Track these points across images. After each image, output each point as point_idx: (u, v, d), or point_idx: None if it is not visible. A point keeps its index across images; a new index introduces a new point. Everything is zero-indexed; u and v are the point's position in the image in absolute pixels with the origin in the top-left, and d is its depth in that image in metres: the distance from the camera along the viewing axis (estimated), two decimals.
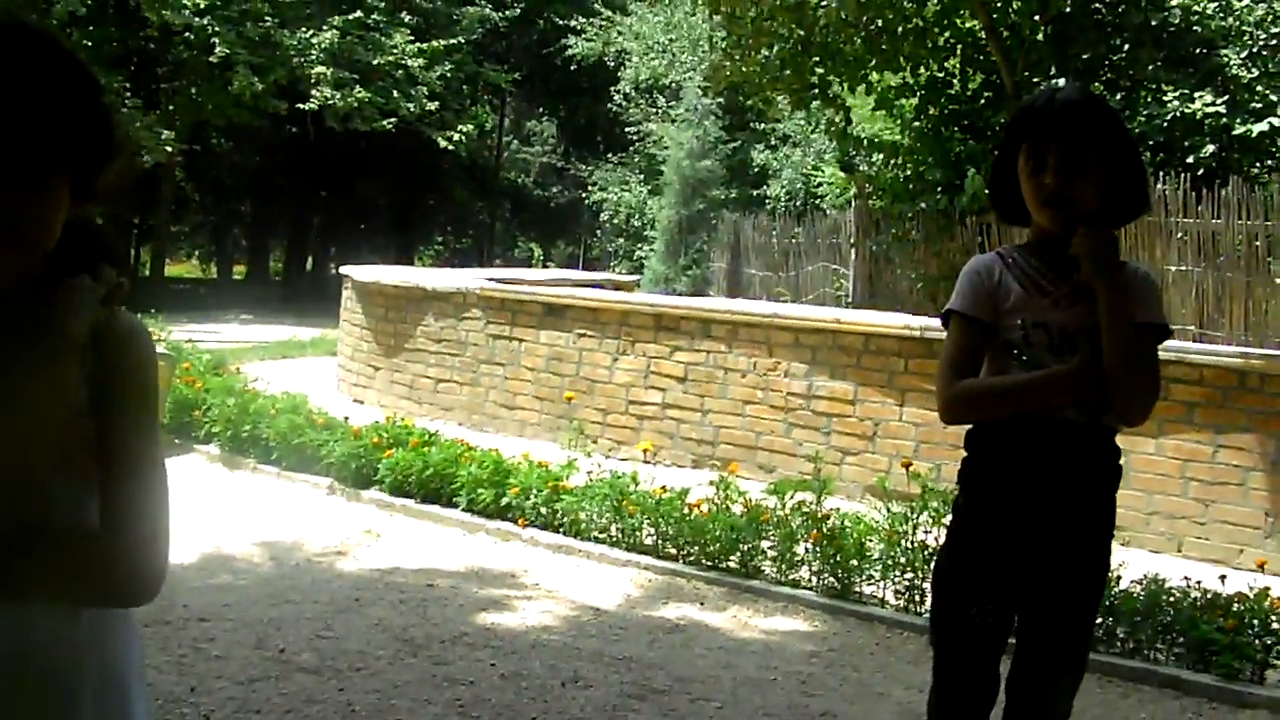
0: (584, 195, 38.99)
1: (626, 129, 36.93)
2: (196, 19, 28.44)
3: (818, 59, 17.62)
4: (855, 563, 7.56)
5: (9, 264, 1.90)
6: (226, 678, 5.85)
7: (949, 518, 3.71)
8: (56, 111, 1.89)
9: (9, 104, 1.85)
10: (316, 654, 6.24)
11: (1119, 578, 6.71)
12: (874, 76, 17.83)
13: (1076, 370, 3.34)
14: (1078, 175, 3.35)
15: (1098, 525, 3.49)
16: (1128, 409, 3.40)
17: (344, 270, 16.45)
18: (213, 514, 8.97)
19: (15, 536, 1.89)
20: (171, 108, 31.29)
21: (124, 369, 2.03)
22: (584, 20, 37.30)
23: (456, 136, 32.57)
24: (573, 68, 38.47)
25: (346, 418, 10.82)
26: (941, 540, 3.83)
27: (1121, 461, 3.51)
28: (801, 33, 17.26)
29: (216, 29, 28.52)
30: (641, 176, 35.66)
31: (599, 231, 41.05)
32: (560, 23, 39.01)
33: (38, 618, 1.94)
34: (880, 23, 16.98)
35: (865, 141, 18.85)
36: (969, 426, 3.57)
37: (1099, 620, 6.24)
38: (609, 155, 39.42)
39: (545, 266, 45.99)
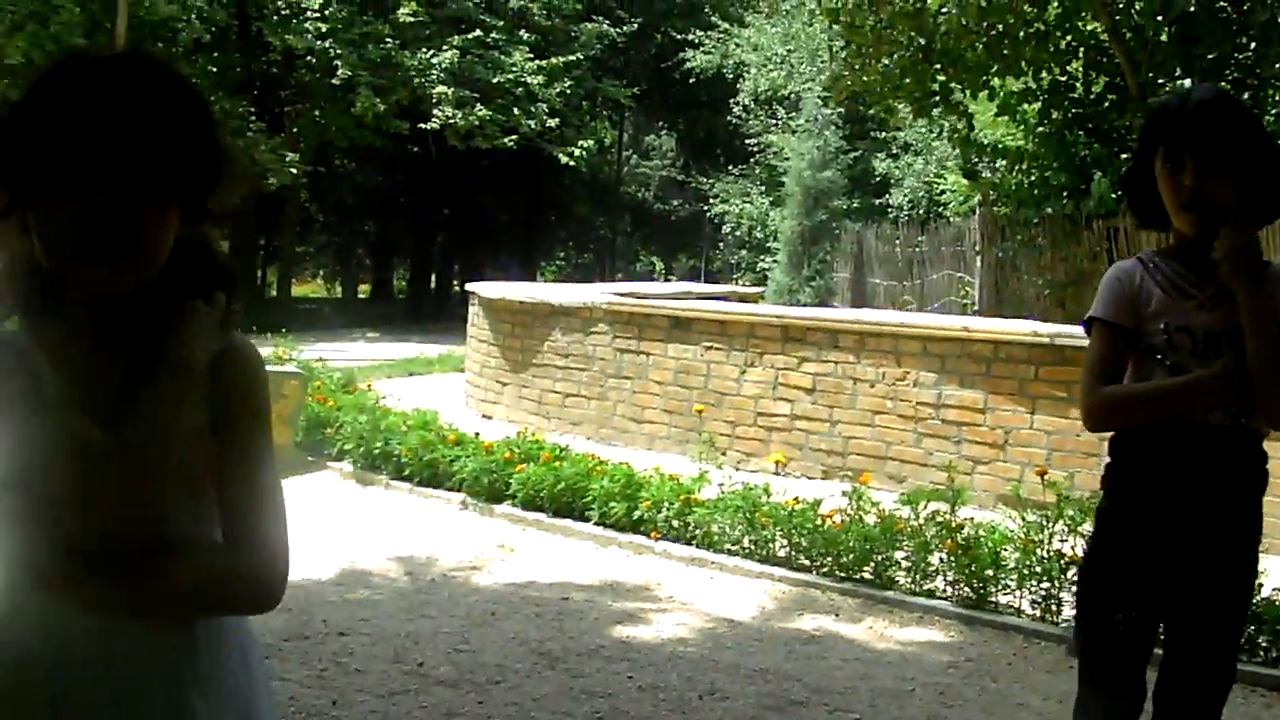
0: (705, 208, 39.09)
1: (746, 141, 37.01)
2: (319, 43, 28.94)
3: (939, 66, 17.54)
4: (990, 573, 7.46)
5: (127, 273, 1.99)
6: (367, 691, 5.93)
7: (1086, 526, 3.68)
8: (167, 132, 1.97)
9: (125, 124, 1.93)
10: (454, 667, 6.30)
11: (1262, 585, 6.60)
12: (996, 82, 17.68)
13: (1220, 374, 3.29)
14: (1215, 175, 3.30)
15: (1245, 530, 3.44)
16: (1273, 411, 3.35)
17: (470, 287, 16.58)
18: (347, 530, 9.10)
19: (152, 551, 1.99)
20: (295, 130, 31.84)
21: (239, 390, 2.13)
22: (701, 34, 37.44)
23: (577, 152, 32.78)
24: (691, 81, 38.63)
25: (477, 433, 10.90)
26: (1078, 549, 3.80)
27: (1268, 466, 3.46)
28: (922, 40, 17.20)
29: (338, 52, 28.98)
30: (762, 188, 35.72)
31: (720, 244, 41.13)
32: (677, 37, 39.17)
33: (153, 630, 2.03)
34: (1001, 27, 16.86)
35: (988, 148, 18.68)
36: (1112, 433, 3.54)
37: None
38: (729, 167, 39.53)
39: (667, 280, 46.09)
